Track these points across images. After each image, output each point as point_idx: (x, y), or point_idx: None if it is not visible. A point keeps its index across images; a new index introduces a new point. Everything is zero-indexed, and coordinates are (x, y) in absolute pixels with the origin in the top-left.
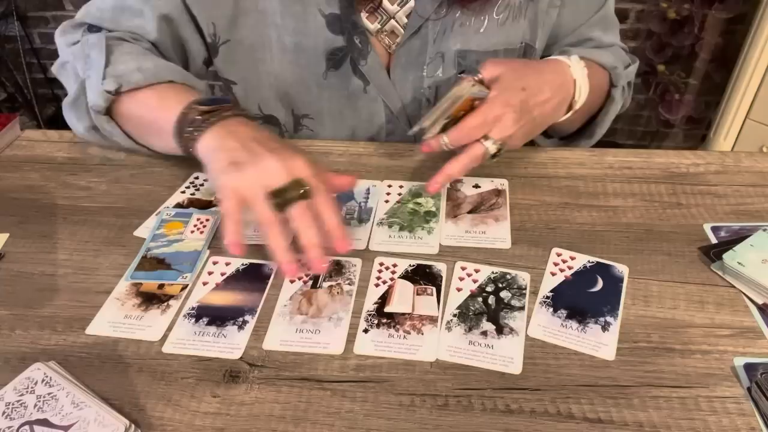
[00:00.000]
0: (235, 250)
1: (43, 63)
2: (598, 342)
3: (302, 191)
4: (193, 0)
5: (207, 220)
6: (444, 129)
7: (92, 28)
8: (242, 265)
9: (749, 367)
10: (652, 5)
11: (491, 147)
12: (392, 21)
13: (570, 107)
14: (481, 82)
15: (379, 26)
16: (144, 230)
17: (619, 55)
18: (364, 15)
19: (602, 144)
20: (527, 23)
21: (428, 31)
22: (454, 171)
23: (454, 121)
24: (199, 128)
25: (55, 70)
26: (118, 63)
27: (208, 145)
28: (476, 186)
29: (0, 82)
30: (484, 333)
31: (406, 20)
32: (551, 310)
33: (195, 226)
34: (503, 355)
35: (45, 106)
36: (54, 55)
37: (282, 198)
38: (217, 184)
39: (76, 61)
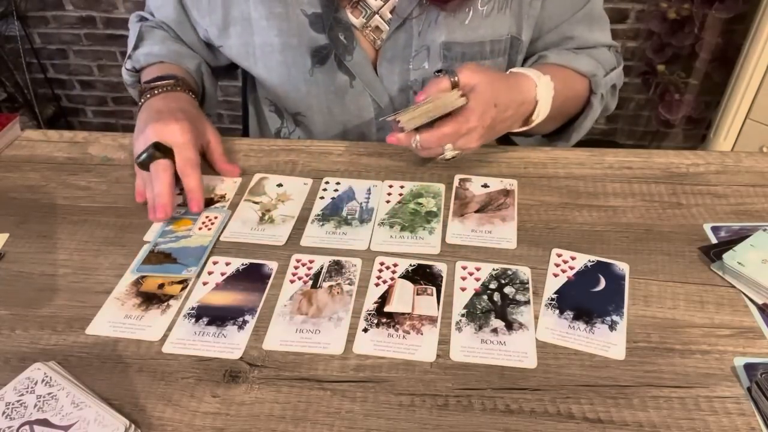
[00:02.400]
0: (139, 198)
1: (43, 63)
2: (607, 342)
3: (154, 153)
4: (191, 5)
5: (215, 217)
6: (417, 127)
7: (142, 18)
8: (242, 265)
9: (749, 367)
10: (652, 5)
11: (448, 153)
12: (376, 16)
13: (526, 122)
14: (456, 84)
15: (364, 21)
16: (152, 234)
17: (603, 58)
18: (348, 11)
19: (602, 144)
20: (512, 15)
21: (413, 25)
22: (402, 144)
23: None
24: (146, 95)
25: None
26: (142, 47)
27: (138, 119)
28: (485, 185)
29: (0, 82)
30: (495, 330)
31: (390, 16)
32: (557, 312)
33: (203, 223)
34: (516, 350)
35: (45, 106)
36: (53, 54)
37: (139, 159)
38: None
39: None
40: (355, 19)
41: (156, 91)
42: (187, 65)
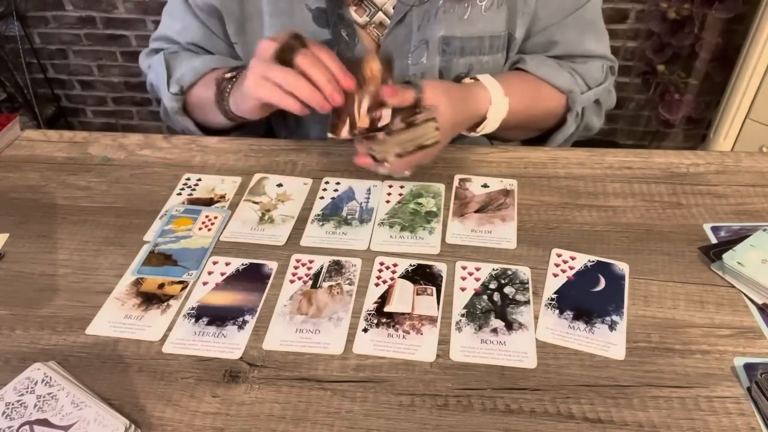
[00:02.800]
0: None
1: (43, 63)
2: (607, 342)
3: (300, 41)
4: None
5: (215, 217)
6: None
7: (157, 51)
8: (242, 265)
9: (749, 367)
10: (652, 5)
11: (407, 172)
12: (380, 13)
13: (472, 129)
14: (419, 101)
15: (367, 19)
16: (152, 234)
17: (589, 72)
18: (352, 9)
19: (602, 144)
20: (508, 12)
21: (413, 19)
22: (369, 168)
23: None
24: (226, 89)
25: (148, 89)
26: (176, 70)
27: (234, 92)
28: (485, 185)
29: (0, 82)
30: (495, 330)
31: (393, 11)
32: (557, 312)
33: (203, 223)
34: (516, 350)
35: (45, 106)
36: (53, 54)
37: (284, 52)
38: (248, 93)
39: (153, 80)
40: (359, 18)
41: (237, 78)
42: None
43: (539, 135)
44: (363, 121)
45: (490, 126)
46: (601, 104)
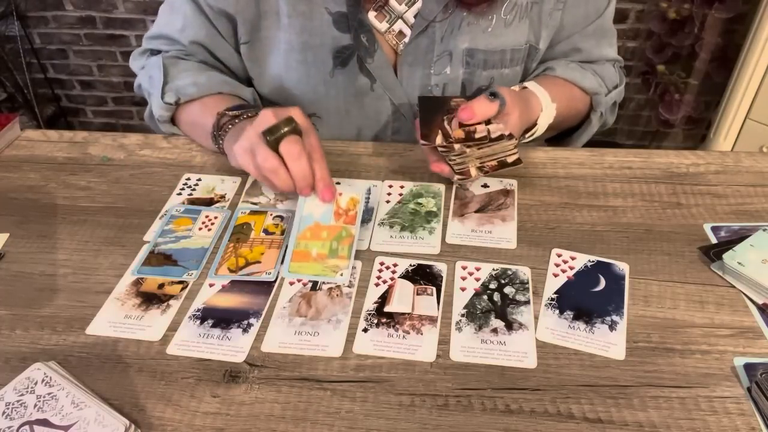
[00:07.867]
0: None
1: (43, 63)
2: (607, 342)
3: (292, 126)
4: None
5: (215, 217)
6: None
7: (153, 52)
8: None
9: (749, 367)
10: (652, 5)
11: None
12: (400, 21)
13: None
14: (500, 110)
15: (387, 25)
16: (152, 234)
17: (608, 75)
18: (372, 14)
19: (602, 144)
20: (531, 24)
21: (436, 30)
22: (444, 175)
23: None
24: (226, 129)
25: (135, 90)
26: (176, 79)
27: (229, 139)
28: (485, 185)
29: (0, 82)
30: (495, 330)
31: (413, 20)
32: (557, 312)
33: (203, 223)
34: (516, 350)
35: (45, 106)
36: (53, 54)
37: (273, 134)
38: (234, 156)
39: (144, 82)
40: (378, 23)
41: (245, 116)
42: (245, 96)
43: (558, 134)
44: (458, 134)
45: (539, 131)
46: (616, 102)
